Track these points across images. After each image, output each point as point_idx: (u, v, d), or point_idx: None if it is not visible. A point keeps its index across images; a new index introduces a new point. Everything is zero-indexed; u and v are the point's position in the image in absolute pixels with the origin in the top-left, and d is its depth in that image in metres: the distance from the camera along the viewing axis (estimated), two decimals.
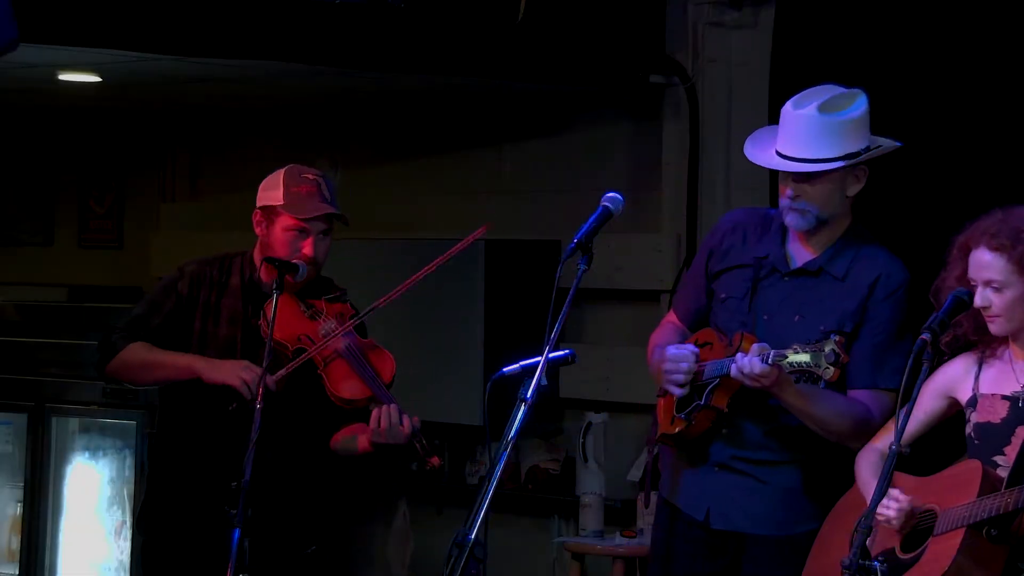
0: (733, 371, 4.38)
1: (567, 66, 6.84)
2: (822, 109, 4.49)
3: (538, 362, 4.04)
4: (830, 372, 4.21)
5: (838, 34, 6.31)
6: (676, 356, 4.55)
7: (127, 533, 7.48)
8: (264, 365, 4.62)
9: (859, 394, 4.52)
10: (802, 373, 4.28)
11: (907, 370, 3.89)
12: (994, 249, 4.15)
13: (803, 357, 4.25)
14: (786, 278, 4.59)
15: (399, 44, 6.37)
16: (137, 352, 4.90)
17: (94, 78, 7.03)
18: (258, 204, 4.92)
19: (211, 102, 8.04)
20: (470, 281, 7.40)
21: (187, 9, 5.90)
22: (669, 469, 4.75)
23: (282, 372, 4.73)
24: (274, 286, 4.73)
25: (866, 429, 4.48)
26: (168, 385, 4.99)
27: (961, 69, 6.01)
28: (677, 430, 4.58)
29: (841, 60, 6.30)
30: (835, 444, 4.55)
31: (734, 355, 4.41)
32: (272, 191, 4.89)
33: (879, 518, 4.20)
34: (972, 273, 4.20)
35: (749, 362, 4.33)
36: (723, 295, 4.67)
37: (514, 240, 7.53)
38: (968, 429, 4.28)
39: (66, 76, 6.97)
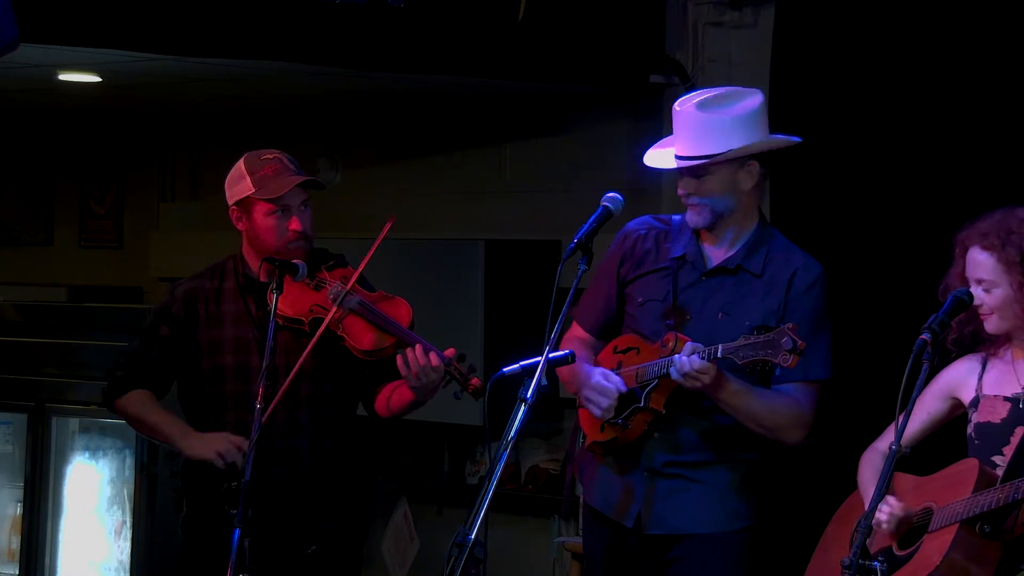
0: (673, 373, 4.36)
1: (567, 66, 6.83)
2: (701, 106, 4.56)
3: (538, 362, 4.05)
4: (789, 359, 4.20)
5: (838, 34, 6.31)
6: (602, 389, 4.51)
7: (127, 533, 7.47)
8: (264, 365, 4.61)
9: (787, 388, 4.54)
10: (757, 363, 4.27)
11: (907, 371, 3.90)
12: (984, 248, 4.20)
13: (758, 348, 4.24)
14: (704, 277, 4.62)
15: (399, 44, 6.37)
16: (133, 405, 4.94)
17: (94, 78, 7.03)
18: (230, 201, 4.91)
19: (211, 102, 8.04)
20: (470, 281, 7.39)
21: (187, 9, 5.90)
22: (592, 476, 4.72)
23: (307, 350, 4.72)
24: (273, 287, 4.72)
25: (799, 422, 4.52)
26: (187, 398, 5.01)
27: (960, 69, 6.01)
28: (610, 436, 4.55)
29: (841, 60, 6.30)
30: (766, 443, 4.57)
31: (670, 356, 4.40)
32: (239, 183, 4.87)
33: (878, 526, 4.21)
34: (967, 271, 4.23)
35: (688, 360, 4.33)
36: (640, 299, 4.67)
37: (514, 240, 7.53)
38: (969, 429, 4.30)
39: (66, 76, 6.97)
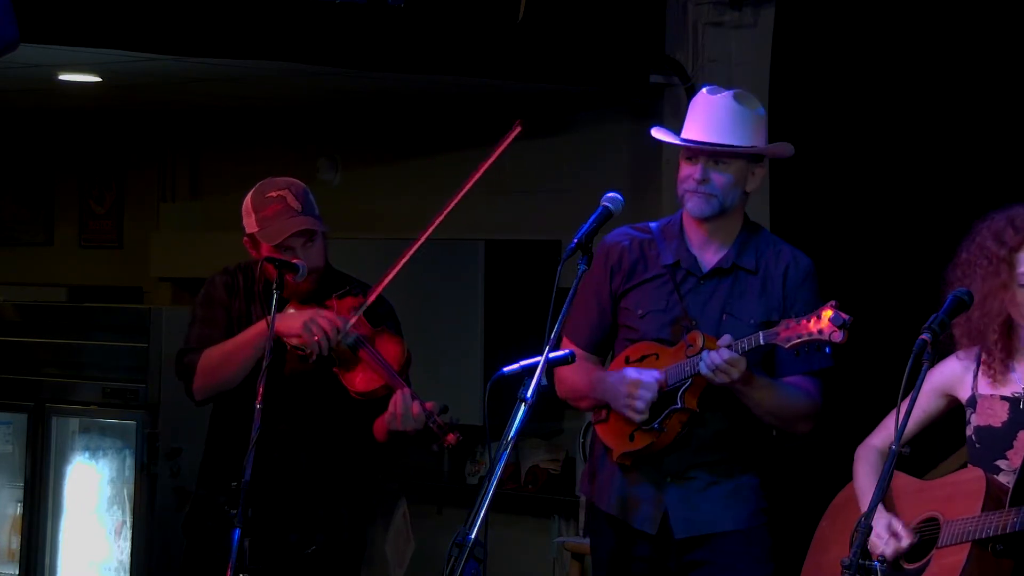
0: (702, 368, 4.37)
1: (567, 66, 6.84)
2: (736, 98, 4.57)
3: (538, 362, 4.04)
4: (839, 335, 4.21)
5: (838, 34, 6.32)
6: (642, 383, 4.48)
7: (127, 533, 7.47)
8: (264, 364, 4.63)
9: (795, 380, 4.57)
10: (805, 344, 4.27)
11: (907, 371, 3.89)
12: None
13: (803, 329, 4.25)
14: (703, 281, 4.62)
15: (399, 44, 6.37)
16: (211, 354, 4.92)
17: (94, 78, 7.03)
18: (245, 230, 4.97)
19: (211, 102, 8.04)
20: (470, 281, 7.40)
21: (187, 9, 5.90)
22: (607, 484, 4.70)
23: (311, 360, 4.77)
24: (274, 286, 4.75)
25: (811, 413, 4.58)
26: (216, 405, 5.04)
27: (961, 68, 6.01)
28: (645, 443, 4.53)
29: (841, 60, 6.31)
30: (779, 443, 4.61)
31: (698, 354, 4.40)
32: (248, 218, 4.93)
33: (875, 550, 4.18)
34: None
35: (718, 354, 4.35)
36: (640, 311, 4.65)
37: (514, 240, 7.53)
38: (968, 431, 4.28)
39: (66, 76, 6.98)
